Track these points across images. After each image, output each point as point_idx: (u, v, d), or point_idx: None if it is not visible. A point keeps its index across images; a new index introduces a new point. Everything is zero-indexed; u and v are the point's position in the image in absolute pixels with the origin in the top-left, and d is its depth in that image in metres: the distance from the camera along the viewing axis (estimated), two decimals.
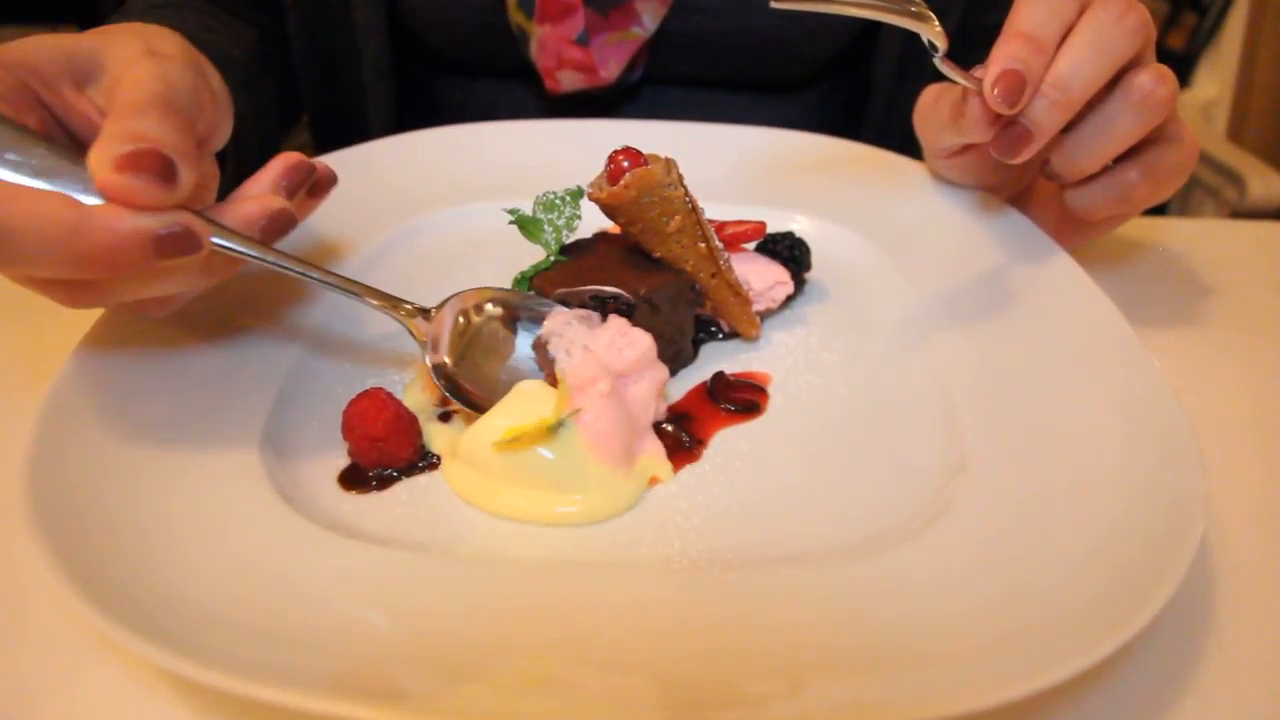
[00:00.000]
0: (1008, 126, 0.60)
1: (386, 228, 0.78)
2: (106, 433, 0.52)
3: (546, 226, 0.62)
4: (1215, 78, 1.93)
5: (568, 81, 0.94)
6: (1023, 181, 0.78)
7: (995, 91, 0.57)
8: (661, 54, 0.96)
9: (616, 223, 0.61)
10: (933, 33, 0.56)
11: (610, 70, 0.92)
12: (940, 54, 0.58)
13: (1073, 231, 0.74)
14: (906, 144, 0.89)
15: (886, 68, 1.00)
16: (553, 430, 0.52)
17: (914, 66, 1.00)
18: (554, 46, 0.91)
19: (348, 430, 0.55)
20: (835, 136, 0.93)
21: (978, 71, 0.59)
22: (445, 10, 0.96)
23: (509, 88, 1.03)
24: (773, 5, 0.53)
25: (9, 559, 0.50)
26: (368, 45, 0.98)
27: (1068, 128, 0.61)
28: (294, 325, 0.65)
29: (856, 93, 1.07)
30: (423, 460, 0.55)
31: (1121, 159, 0.63)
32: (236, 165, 0.90)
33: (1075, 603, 0.43)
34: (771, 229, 0.71)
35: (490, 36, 0.95)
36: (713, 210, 0.65)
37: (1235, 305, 0.75)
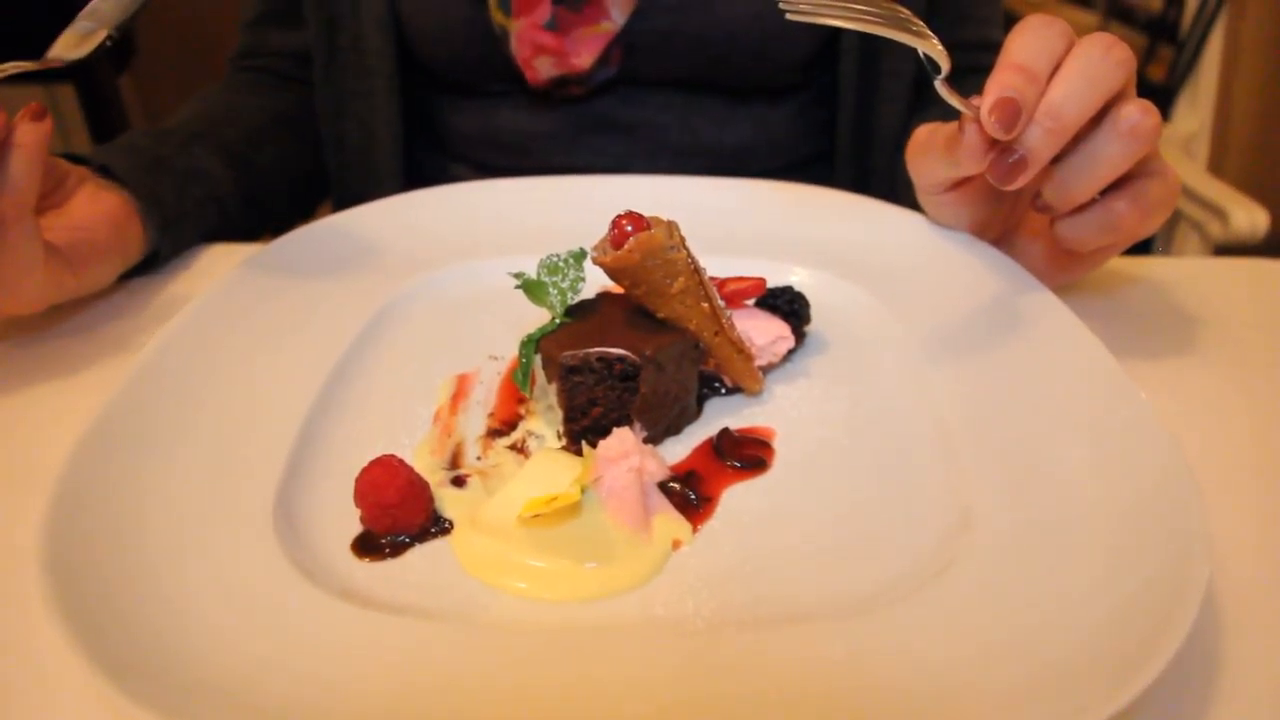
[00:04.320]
0: (1003, 154, 0.62)
1: (392, 288, 0.79)
2: (119, 506, 0.53)
3: (551, 289, 0.63)
4: (1195, 112, 1.97)
5: (544, 69, 1.01)
6: (1010, 220, 0.80)
7: (992, 118, 0.60)
8: (636, 54, 1.02)
9: (620, 285, 0.63)
10: (934, 50, 0.60)
11: (583, 59, 1.00)
12: (941, 76, 0.61)
13: (1062, 265, 0.76)
14: (892, 152, 0.92)
15: (849, 70, 1.06)
16: (579, 502, 0.53)
17: (877, 73, 1.06)
18: (528, 35, 0.99)
19: (360, 498, 0.55)
20: (816, 147, 0.96)
21: (974, 100, 0.62)
22: (435, 17, 1.04)
23: (507, 104, 1.10)
24: (783, 8, 0.58)
25: (24, 629, 0.51)
26: (379, 75, 1.07)
27: (1059, 159, 0.64)
28: (300, 390, 0.65)
29: (836, 106, 1.12)
30: (435, 526, 0.56)
31: (1108, 191, 0.66)
32: (264, 210, 1.06)
33: (1090, 654, 0.43)
34: (770, 283, 0.72)
35: (477, 41, 1.03)
36: (711, 265, 0.66)
37: (1224, 343, 0.77)
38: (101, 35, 0.69)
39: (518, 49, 1.01)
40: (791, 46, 1.04)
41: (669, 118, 1.09)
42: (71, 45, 0.68)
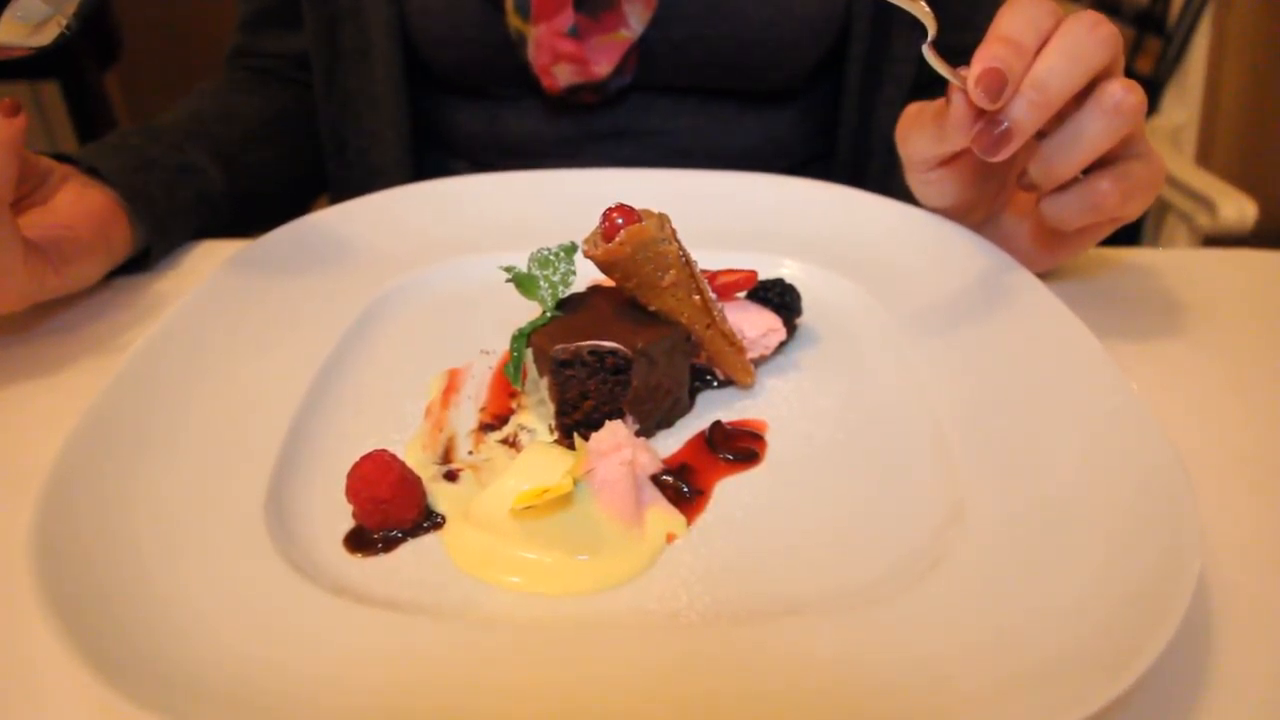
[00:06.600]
0: (988, 125, 0.64)
1: (382, 283, 0.78)
2: (110, 505, 0.52)
3: (542, 283, 0.63)
4: (1182, 104, 1.97)
5: (563, 76, 1.00)
6: (997, 201, 0.81)
7: (979, 88, 0.62)
8: (650, 62, 1.02)
9: (612, 278, 0.62)
10: (921, 13, 0.62)
11: (602, 67, 0.99)
12: (928, 40, 0.63)
13: (1047, 246, 0.77)
14: (888, 154, 0.93)
15: (854, 74, 1.07)
16: (571, 494, 0.53)
17: (880, 77, 1.07)
18: (548, 42, 0.98)
19: (352, 493, 0.55)
20: (818, 150, 0.96)
21: (961, 71, 0.64)
22: (446, 20, 1.03)
23: (515, 108, 1.10)
24: None
25: (16, 630, 0.50)
26: (384, 76, 1.07)
27: (1043, 135, 0.66)
28: (290, 387, 0.65)
29: (839, 109, 1.13)
30: (427, 521, 0.56)
31: (1092, 171, 0.67)
32: (257, 210, 1.05)
33: (1082, 646, 0.43)
34: (761, 276, 0.72)
35: (489, 45, 1.02)
36: (702, 258, 0.66)
37: (1214, 334, 0.77)
38: (57, 21, 0.66)
39: (536, 55, 1.00)
40: (803, 52, 1.05)
41: (678, 124, 1.09)
42: (23, 32, 0.66)
